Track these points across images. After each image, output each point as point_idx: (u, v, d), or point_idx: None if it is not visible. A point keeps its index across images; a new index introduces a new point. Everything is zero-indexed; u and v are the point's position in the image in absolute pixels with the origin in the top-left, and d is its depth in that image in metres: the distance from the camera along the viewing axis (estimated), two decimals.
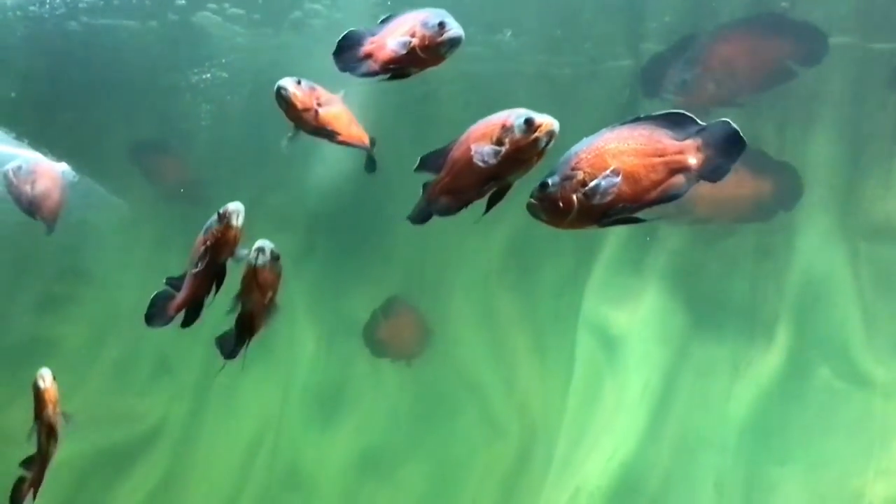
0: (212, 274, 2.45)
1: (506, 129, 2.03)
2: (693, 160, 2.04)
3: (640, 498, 3.53)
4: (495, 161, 2.07)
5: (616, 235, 3.88)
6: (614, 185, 2.00)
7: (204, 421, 4.57)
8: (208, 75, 4.36)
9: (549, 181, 2.02)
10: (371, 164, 2.99)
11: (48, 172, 4.03)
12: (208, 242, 2.42)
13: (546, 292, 4.30)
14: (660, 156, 2.06)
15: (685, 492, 3.54)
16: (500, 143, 2.06)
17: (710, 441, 3.59)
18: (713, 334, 3.71)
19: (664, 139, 2.07)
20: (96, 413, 4.46)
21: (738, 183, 3.77)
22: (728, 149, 2.03)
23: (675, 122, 2.09)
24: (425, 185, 2.30)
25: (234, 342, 2.51)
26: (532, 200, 2.04)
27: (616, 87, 4.15)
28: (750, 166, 3.83)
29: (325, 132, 2.77)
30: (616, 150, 2.06)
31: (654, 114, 2.04)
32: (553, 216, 2.05)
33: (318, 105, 2.70)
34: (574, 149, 2.06)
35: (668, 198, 2.04)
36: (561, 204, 2.02)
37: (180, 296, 2.58)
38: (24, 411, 4.35)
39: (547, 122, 1.99)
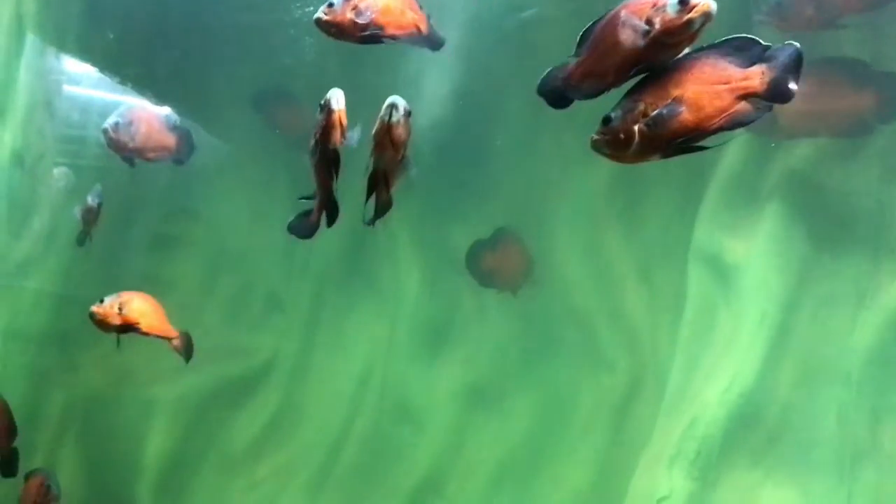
0: (329, 163, 2.50)
1: (657, 7, 1.92)
2: (759, 84, 2.00)
3: (759, 429, 3.47)
4: (642, 42, 1.95)
5: (730, 158, 3.72)
6: (677, 113, 1.97)
7: (314, 356, 4.72)
8: (311, 8, 4.33)
9: (612, 115, 2.01)
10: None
11: (148, 120, 4.01)
12: (317, 134, 2.46)
13: (654, 220, 4.20)
14: (724, 82, 2.02)
15: (806, 424, 3.45)
16: (649, 22, 1.93)
17: (833, 373, 3.47)
18: (836, 261, 3.55)
19: (729, 65, 2.02)
20: (212, 349, 4.65)
21: (835, 95, 3.56)
22: (793, 71, 1.98)
23: (739, 47, 2.03)
24: (552, 72, 2.17)
25: (371, 204, 2.56)
26: (595, 136, 2.03)
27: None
28: (848, 77, 3.60)
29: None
30: (679, 79, 2.02)
31: (717, 41, 1.99)
32: (616, 150, 2.04)
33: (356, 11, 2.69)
34: (636, 81, 2.04)
35: (735, 124, 2.00)
36: (622, 136, 2.01)
37: (316, 200, 2.64)
38: (144, 350, 4.58)
39: (704, 1, 1.87)
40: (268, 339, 4.75)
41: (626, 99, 2.05)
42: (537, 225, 4.40)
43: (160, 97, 4.73)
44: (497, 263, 4.30)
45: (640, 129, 2.00)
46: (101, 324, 3.35)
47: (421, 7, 2.84)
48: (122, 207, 4.63)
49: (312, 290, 4.78)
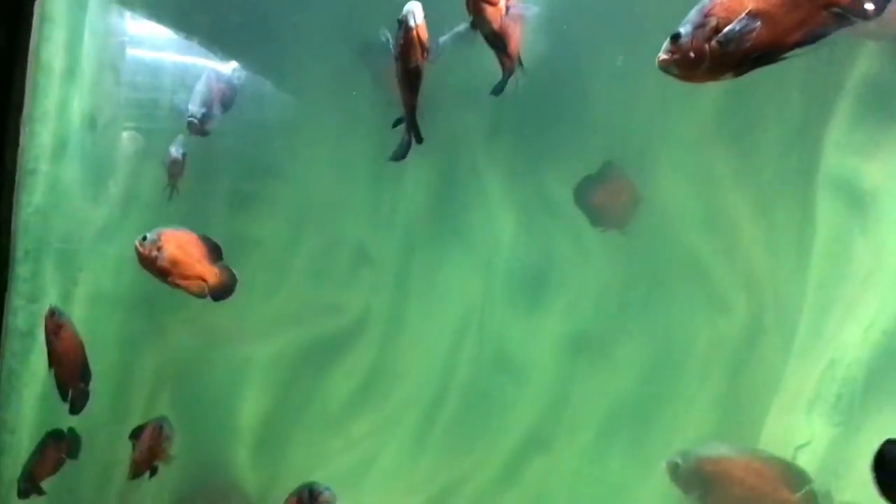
0: (411, 81, 2.47)
1: None
2: None
3: None
4: None
5: (863, 68, 3.40)
6: (752, 29, 1.87)
7: (407, 309, 4.59)
8: None
9: (681, 31, 1.89)
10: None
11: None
12: (395, 52, 2.42)
13: (770, 149, 3.92)
14: None
15: None
16: None
17: None
18: None
19: None
20: (301, 307, 4.59)
21: None
22: None
23: None
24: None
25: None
26: (663, 55, 1.92)
27: None
28: None
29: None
30: None
31: None
32: (686, 69, 1.93)
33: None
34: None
35: (814, 38, 1.88)
36: (692, 55, 1.90)
37: (405, 121, 2.61)
38: (229, 311, 4.50)
39: None
40: (358, 294, 4.64)
41: (695, 13, 1.92)
42: (640, 159, 4.15)
43: (231, 52, 4.60)
44: (606, 199, 4.07)
45: (711, 48, 1.89)
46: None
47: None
48: (202, 168, 4.52)
49: (401, 243, 4.65)
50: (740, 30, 1.86)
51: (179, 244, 3.48)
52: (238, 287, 3.59)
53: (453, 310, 4.53)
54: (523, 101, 4.26)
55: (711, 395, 4.05)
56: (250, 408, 4.52)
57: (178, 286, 3.47)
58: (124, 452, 4.46)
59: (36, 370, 4.49)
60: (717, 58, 1.89)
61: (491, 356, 4.47)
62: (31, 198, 4.32)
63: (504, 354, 4.45)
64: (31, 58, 4.03)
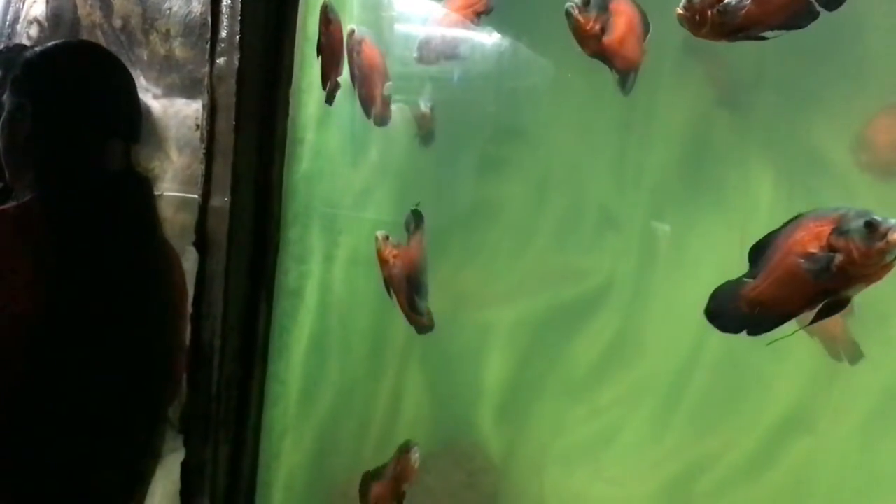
0: None
1: (839, 232, 1.82)
2: None
3: None
4: (828, 275, 1.84)
5: None
6: (743, 7, 2.13)
7: (654, 275, 4.50)
8: None
9: None
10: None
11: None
12: None
13: None
14: None
15: None
16: (832, 249, 1.84)
17: None
18: None
19: None
20: (545, 271, 4.67)
21: None
22: None
23: None
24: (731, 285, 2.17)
25: None
26: (679, 10, 2.22)
27: None
28: None
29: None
30: None
31: None
32: (692, 27, 2.23)
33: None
34: None
35: (790, 25, 2.15)
36: (698, 17, 2.20)
37: None
38: (477, 275, 4.71)
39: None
40: (603, 259, 4.63)
41: None
42: None
43: (489, 22, 4.78)
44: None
45: (712, 14, 2.17)
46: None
47: None
48: (451, 132, 4.76)
49: (649, 205, 4.55)
50: (736, 5, 2.14)
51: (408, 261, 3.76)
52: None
53: (705, 277, 4.30)
54: (786, 44, 4.03)
55: None
56: (494, 371, 4.69)
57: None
58: (378, 412, 4.84)
59: (304, 326, 4.98)
60: (715, 25, 2.18)
61: None
62: (300, 165, 4.79)
63: None
64: (298, 30, 4.47)
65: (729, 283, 2.31)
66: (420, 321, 3.74)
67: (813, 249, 1.91)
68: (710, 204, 4.36)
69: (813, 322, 2.00)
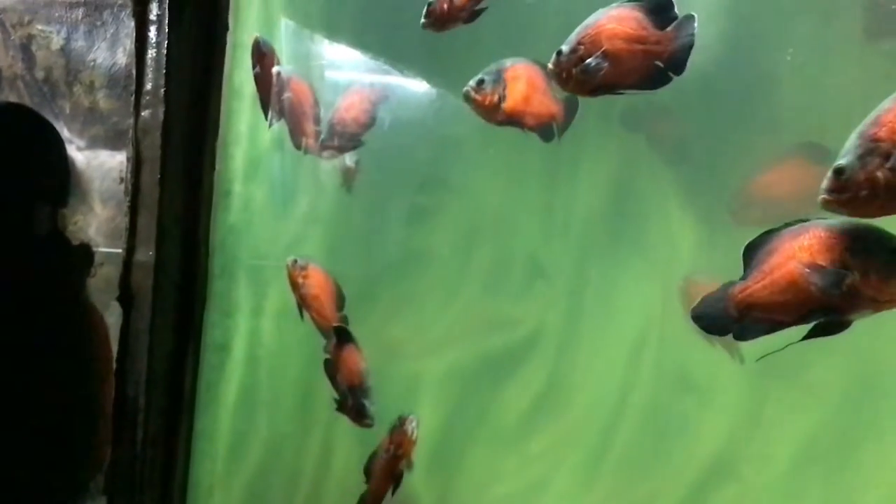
0: None
1: (857, 251, 1.64)
2: (664, 51, 2.19)
3: None
4: (835, 292, 1.67)
5: None
6: (601, 68, 2.25)
7: (582, 324, 4.57)
8: None
9: (563, 49, 2.33)
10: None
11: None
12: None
13: None
14: (641, 42, 2.23)
15: None
16: (844, 266, 1.66)
17: None
18: None
19: (648, 26, 2.24)
20: (474, 321, 4.71)
21: None
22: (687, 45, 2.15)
23: (656, 9, 2.22)
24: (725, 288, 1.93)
25: None
26: (550, 65, 2.37)
27: None
28: None
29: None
30: (610, 32, 2.26)
31: None
32: (560, 82, 2.40)
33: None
34: (586, 21, 2.33)
35: (647, 86, 2.26)
36: (564, 75, 2.34)
37: None
38: (405, 326, 4.72)
39: None
40: (532, 308, 4.69)
41: (574, 33, 2.35)
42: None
43: (415, 70, 4.86)
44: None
45: (575, 73, 2.30)
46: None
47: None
48: (380, 181, 4.79)
49: (576, 254, 4.64)
50: (594, 67, 2.25)
51: (321, 284, 3.86)
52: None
53: (631, 324, 4.45)
54: (704, 103, 4.18)
55: None
56: (425, 422, 4.63)
57: (311, 319, 3.85)
58: (308, 464, 4.79)
59: (231, 380, 4.92)
60: (579, 82, 2.31)
61: (672, 374, 4.34)
62: (227, 217, 4.77)
63: (686, 373, 4.30)
64: (224, 82, 4.49)
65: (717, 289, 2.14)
66: (366, 424, 3.80)
67: (822, 262, 1.74)
68: (634, 252, 4.46)
69: (805, 339, 1.85)
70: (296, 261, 4.21)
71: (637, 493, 4.28)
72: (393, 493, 3.73)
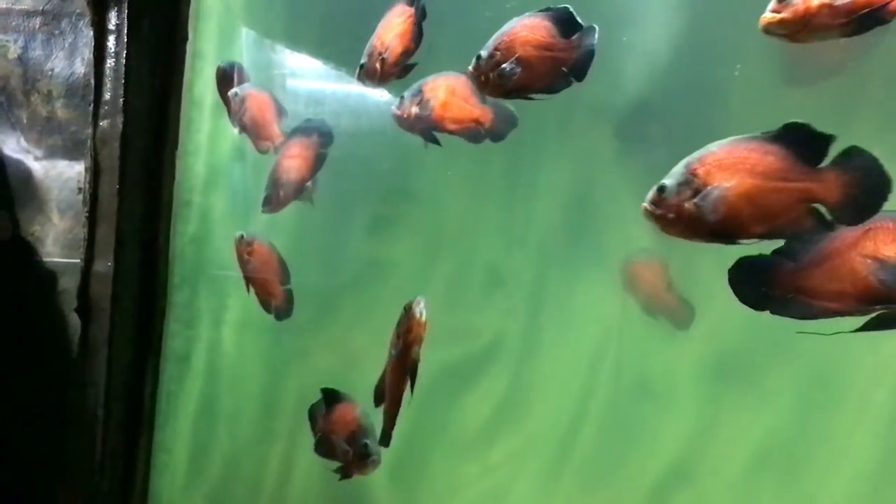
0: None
1: None
2: (568, 58, 2.44)
3: None
4: None
5: None
6: (515, 73, 2.48)
7: (541, 333, 4.63)
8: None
9: (482, 53, 2.57)
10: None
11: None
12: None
13: None
14: (550, 49, 2.45)
15: None
16: None
17: None
18: None
19: (556, 35, 2.49)
20: (435, 331, 4.72)
21: None
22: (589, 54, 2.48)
23: (562, 20, 2.47)
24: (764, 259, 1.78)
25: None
26: (469, 69, 2.63)
27: None
28: None
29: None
30: (524, 39, 2.47)
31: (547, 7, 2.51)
32: (479, 86, 2.66)
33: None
34: (502, 28, 2.57)
35: (552, 90, 2.52)
36: (483, 79, 2.58)
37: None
38: (367, 335, 4.73)
39: None
40: (491, 317, 4.73)
41: (492, 40, 2.58)
42: None
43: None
44: None
45: (492, 77, 2.51)
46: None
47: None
48: (342, 191, 4.81)
49: (535, 263, 4.70)
50: (508, 72, 2.46)
51: (265, 259, 3.87)
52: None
53: (590, 333, 4.52)
54: (660, 114, 4.26)
55: (874, 432, 3.79)
56: None
57: (256, 293, 3.88)
58: (270, 476, 4.78)
59: (191, 391, 4.89)
60: (496, 85, 2.52)
61: (630, 382, 4.41)
62: (187, 228, 4.75)
63: (644, 380, 4.38)
64: (184, 93, 4.48)
65: (762, 256, 2.04)
66: (374, 463, 3.77)
67: (890, 254, 1.71)
68: (593, 262, 4.53)
69: (860, 330, 1.77)
70: (242, 236, 4.29)
71: (597, 499, 4.35)
72: (412, 390, 3.63)
